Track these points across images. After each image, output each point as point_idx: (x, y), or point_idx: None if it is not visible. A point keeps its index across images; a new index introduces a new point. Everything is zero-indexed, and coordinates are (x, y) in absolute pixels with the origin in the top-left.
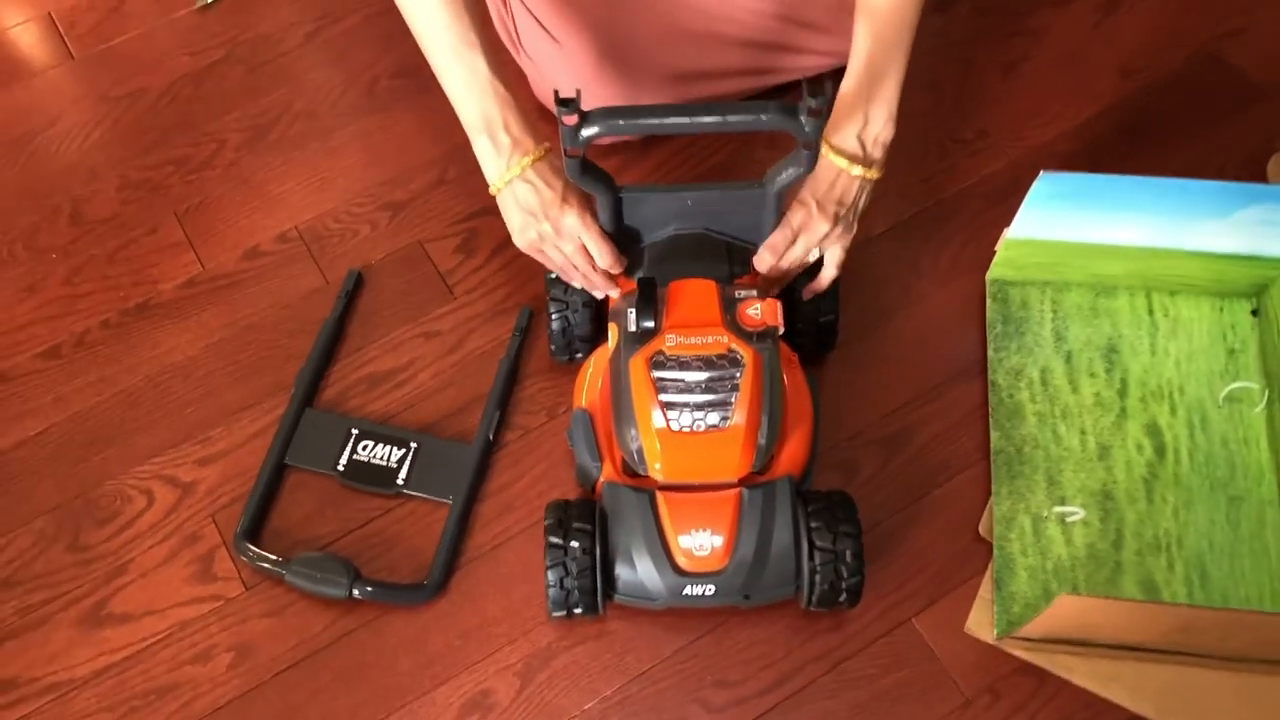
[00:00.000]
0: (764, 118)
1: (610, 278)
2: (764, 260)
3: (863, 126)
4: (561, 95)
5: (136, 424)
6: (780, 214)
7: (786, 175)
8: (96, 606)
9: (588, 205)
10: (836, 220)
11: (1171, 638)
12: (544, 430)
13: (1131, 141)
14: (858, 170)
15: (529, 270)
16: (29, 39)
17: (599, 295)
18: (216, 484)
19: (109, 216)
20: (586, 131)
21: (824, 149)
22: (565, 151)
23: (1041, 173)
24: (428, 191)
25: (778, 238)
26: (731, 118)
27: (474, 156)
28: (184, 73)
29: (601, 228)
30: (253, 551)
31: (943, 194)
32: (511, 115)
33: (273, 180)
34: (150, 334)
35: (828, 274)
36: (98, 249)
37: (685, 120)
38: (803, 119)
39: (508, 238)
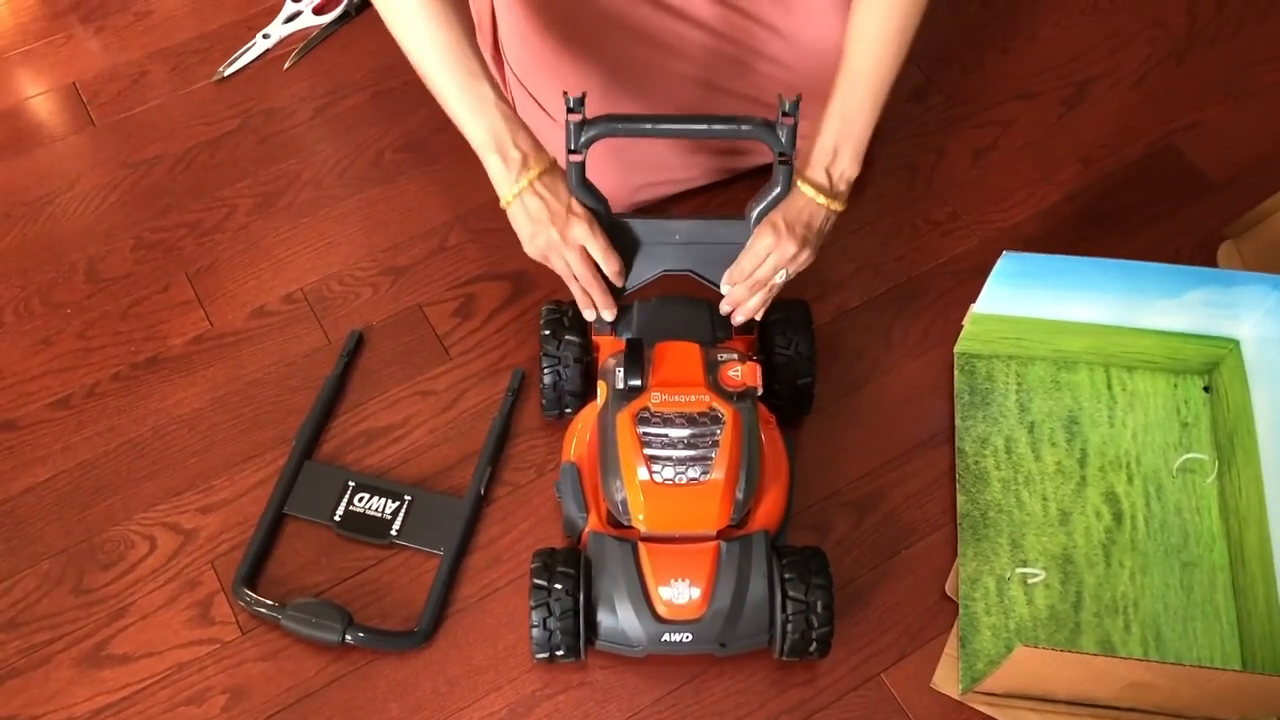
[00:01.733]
0: (744, 128)
1: (609, 297)
2: (734, 274)
3: (831, 161)
4: (571, 96)
5: (142, 472)
6: None
7: (765, 201)
8: (97, 647)
9: (593, 217)
10: (804, 243)
11: (1124, 694)
12: (533, 487)
13: (1092, 226)
14: (823, 200)
15: (522, 334)
16: (53, 106)
17: (607, 316)
18: (217, 531)
19: (123, 275)
20: (589, 132)
21: (795, 180)
22: (569, 154)
23: (1004, 253)
24: (428, 258)
25: (745, 261)
26: (715, 126)
27: (472, 226)
28: (199, 141)
29: (607, 237)
30: (250, 597)
31: (914, 271)
32: (519, 132)
33: (280, 244)
34: (158, 387)
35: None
36: (111, 305)
37: (675, 126)
38: (779, 130)
39: (503, 303)
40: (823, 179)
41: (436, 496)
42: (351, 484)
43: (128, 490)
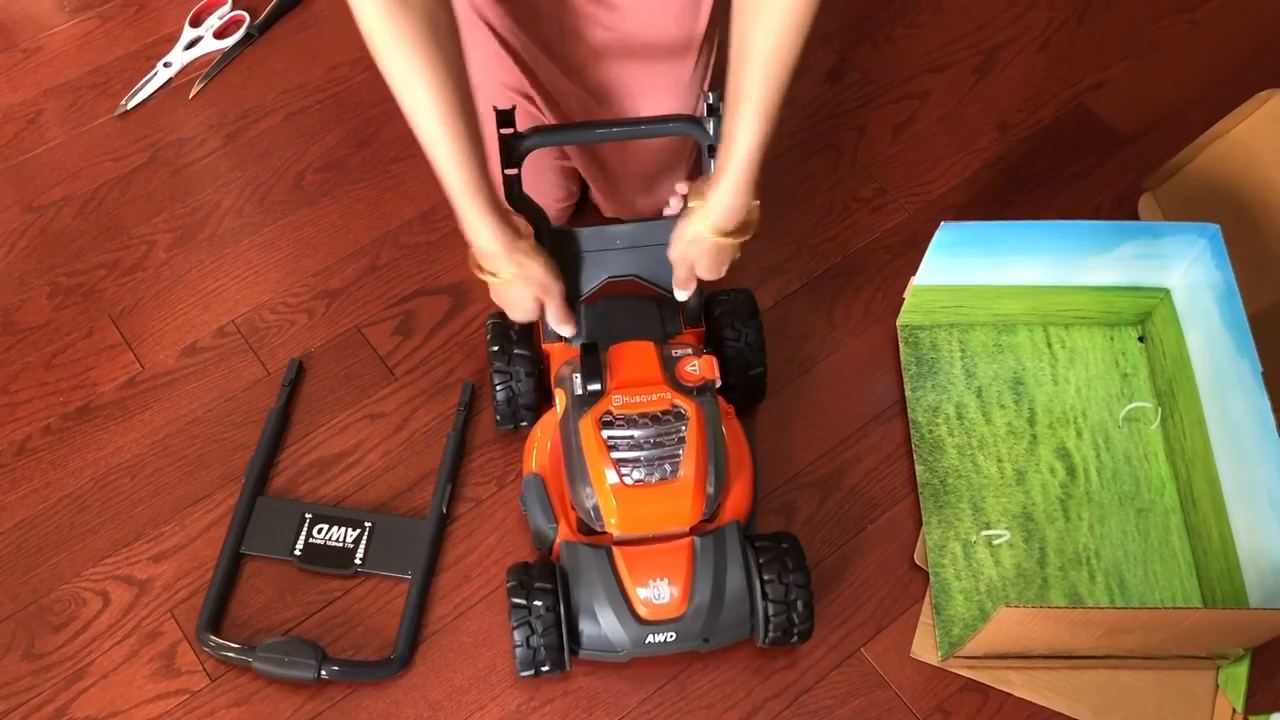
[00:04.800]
0: (672, 125)
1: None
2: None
3: (740, 205)
4: (499, 109)
5: (86, 526)
6: None
7: None
8: (57, 713)
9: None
10: (724, 267)
11: (1101, 643)
12: (495, 500)
13: (1015, 190)
14: (738, 240)
15: (467, 346)
16: None
17: (566, 332)
18: (173, 579)
19: (42, 323)
20: (523, 145)
21: (710, 234)
22: (504, 170)
23: (942, 224)
24: (361, 278)
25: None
26: (644, 127)
27: (403, 242)
28: (108, 178)
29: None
30: (215, 642)
31: (849, 249)
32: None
33: (206, 277)
34: (94, 436)
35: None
36: (33, 355)
37: (604, 131)
38: (706, 124)
39: (444, 317)
40: (740, 225)
41: (398, 520)
42: (308, 516)
43: (73, 546)
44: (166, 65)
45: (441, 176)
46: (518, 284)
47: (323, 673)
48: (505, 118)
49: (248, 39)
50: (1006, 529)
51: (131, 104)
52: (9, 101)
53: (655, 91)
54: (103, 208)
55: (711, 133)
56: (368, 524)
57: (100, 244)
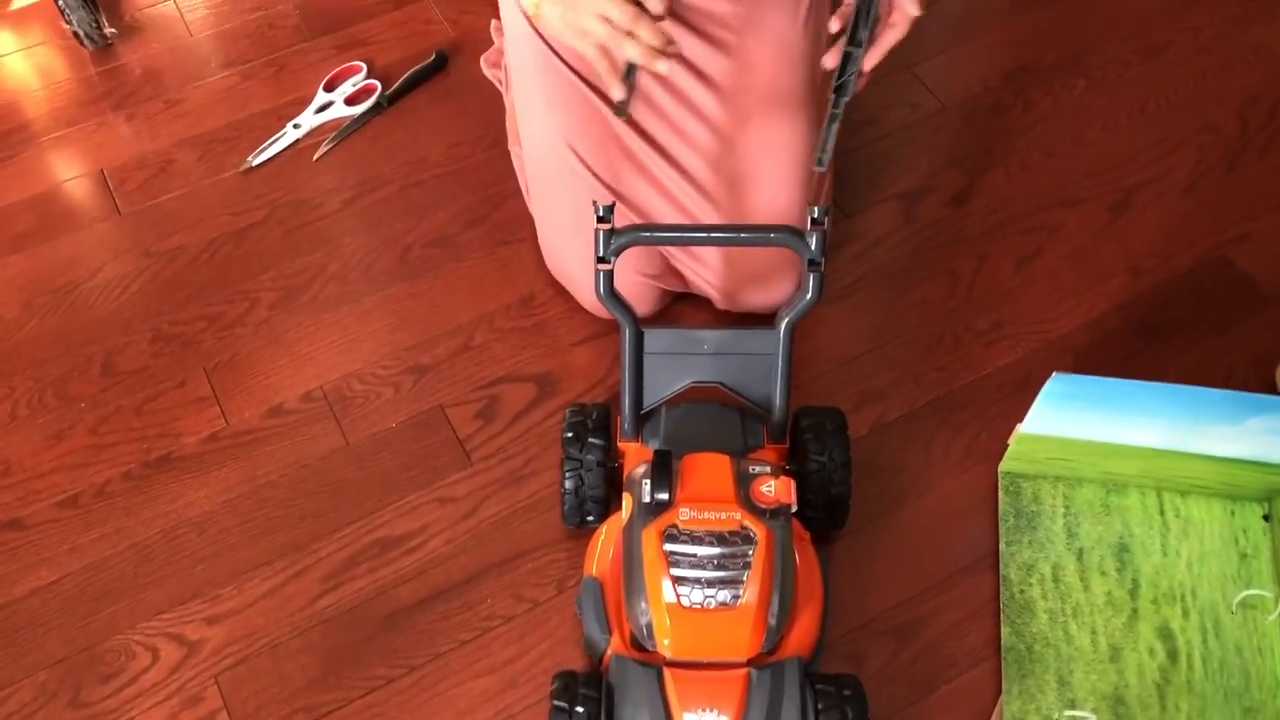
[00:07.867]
0: (772, 236)
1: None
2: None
3: None
4: (600, 205)
5: (148, 578)
6: (791, 349)
7: (795, 309)
8: None
9: None
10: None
11: None
12: (553, 604)
13: (1142, 339)
14: None
15: (546, 439)
16: (80, 193)
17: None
18: (222, 644)
19: (139, 368)
20: (617, 241)
21: None
22: (597, 263)
23: (1054, 374)
24: (452, 357)
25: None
26: (742, 235)
27: (499, 325)
28: (224, 231)
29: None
30: None
31: (956, 383)
32: None
33: (302, 340)
34: (169, 487)
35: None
36: (126, 400)
37: (702, 235)
38: (808, 238)
39: (527, 406)
40: None
41: None
42: None
43: (132, 597)
44: (296, 126)
45: None
46: None
47: None
48: (604, 213)
49: (377, 108)
50: (1093, 710)
51: (257, 161)
52: (147, 149)
53: (767, 176)
54: (214, 260)
55: (814, 248)
56: None
57: (207, 295)
